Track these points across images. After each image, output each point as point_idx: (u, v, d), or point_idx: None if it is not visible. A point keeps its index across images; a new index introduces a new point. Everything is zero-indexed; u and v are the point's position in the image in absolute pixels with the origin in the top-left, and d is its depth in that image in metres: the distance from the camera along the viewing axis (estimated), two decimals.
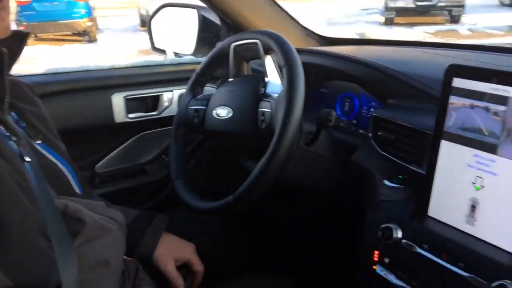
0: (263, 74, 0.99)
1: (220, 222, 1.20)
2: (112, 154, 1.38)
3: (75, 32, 10.57)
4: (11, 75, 0.78)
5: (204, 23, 1.39)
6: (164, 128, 1.41)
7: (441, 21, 7.96)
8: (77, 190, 0.84)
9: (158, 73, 1.39)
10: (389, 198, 0.86)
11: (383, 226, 0.79)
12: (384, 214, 0.83)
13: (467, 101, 0.71)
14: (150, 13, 1.54)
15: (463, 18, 8.80)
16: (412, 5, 10.15)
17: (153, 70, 1.39)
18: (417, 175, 0.83)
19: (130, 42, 9.74)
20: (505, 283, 0.62)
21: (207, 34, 1.40)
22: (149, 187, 1.42)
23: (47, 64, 6.26)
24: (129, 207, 1.01)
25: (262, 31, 0.97)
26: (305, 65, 0.95)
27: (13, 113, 0.78)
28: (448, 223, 0.75)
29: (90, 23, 10.48)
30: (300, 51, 0.98)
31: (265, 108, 0.92)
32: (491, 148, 0.68)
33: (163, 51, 1.50)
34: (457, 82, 0.72)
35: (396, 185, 0.89)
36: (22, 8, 9.71)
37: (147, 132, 1.41)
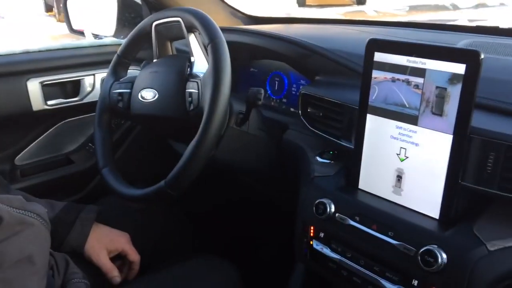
0: (189, 54, 0.96)
1: (155, 209, 1.17)
2: (32, 145, 1.30)
3: None
4: None
5: (124, 1, 1.32)
6: (88, 115, 1.34)
7: (348, 3, 8.40)
8: None
9: (77, 56, 1.30)
10: (321, 174, 0.88)
11: (316, 201, 0.81)
12: (317, 189, 0.84)
13: (389, 75, 0.73)
14: None
15: (369, 0, 9.25)
16: None
17: (71, 53, 1.31)
18: (346, 149, 0.85)
19: (37, 28, 8.98)
20: (431, 248, 0.66)
21: (128, 13, 1.33)
22: (76, 178, 1.35)
23: None
24: (56, 200, 0.96)
25: (184, 9, 0.94)
26: (232, 44, 0.93)
27: None
28: (377, 194, 0.78)
29: None
30: (225, 29, 0.96)
31: (192, 89, 0.89)
32: (412, 120, 0.71)
33: (81, 33, 1.41)
34: (378, 57, 0.74)
35: (327, 161, 0.91)
36: None
37: (70, 119, 1.33)
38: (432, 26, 1.25)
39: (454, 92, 0.65)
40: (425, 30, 1.21)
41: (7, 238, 0.65)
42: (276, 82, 1.21)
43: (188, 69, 0.94)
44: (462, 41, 0.98)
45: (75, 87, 1.30)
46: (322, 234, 0.82)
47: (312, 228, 0.84)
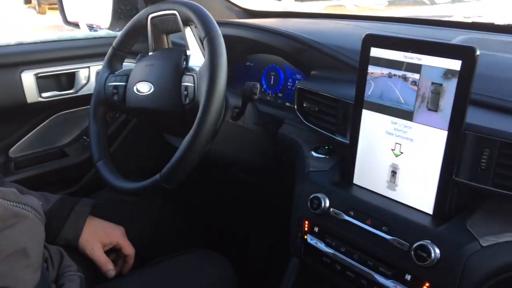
0: (184, 47, 0.96)
1: (150, 202, 1.17)
2: (26, 137, 1.29)
3: None
4: None
5: None
6: (83, 108, 1.33)
7: None
8: None
9: (72, 48, 1.30)
10: (316, 169, 0.88)
11: (311, 196, 0.81)
12: (312, 184, 0.85)
13: (385, 70, 0.73)
14: None
15: None
16: None
17: (66, 45, 1.30)
18: (341, 144, 0.86)
19: (17, 20, 8.72)
20: (425, 243, 0.66)
21: (123, 6, 1.32)
22: (71, 171, 1.35)
23: None
24: (51, 192, 0.96)
25: (180, 2, 0.93)
26: (228, 38, 0.93)
27: None
28: (372, 190, 0.79)
29: None
30: (222, 23, 0.95)
31: (188, 82, 0.89)
32: (407, 115, 0.71)
33: (76, 25, 1.40)
34: (375, 52, 0.74)
35: (322, 156, 0.91)
36: None
37: (64, 112, 1.32)
38: (428, 22, 1.25)
39: (450, 88, 0.65)
40: (421, 26, 1.21)
41: (1, 231, 0.65)
42: (272, 76, 1.21)
43: (184, 63, 0.93)
44: (457, 37, 0.98)
45: (70, 79, 1.29)
46: (316, 229, 0.83)
47: (306, 222, 0.84)
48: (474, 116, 0.67)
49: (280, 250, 1.07)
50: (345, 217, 0.77)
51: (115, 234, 0.96)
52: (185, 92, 0.89)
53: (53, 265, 0.82)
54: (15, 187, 0.85)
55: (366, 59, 0.75)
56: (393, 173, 0.75)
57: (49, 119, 1.31)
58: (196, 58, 0.94)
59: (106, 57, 1.05)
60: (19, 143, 1.28)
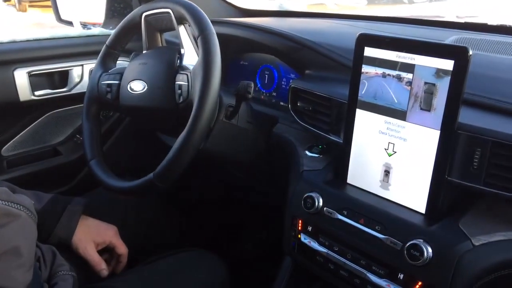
0: (178, 45, 0.96)
1: (143, 202, 1.17)
2: (19, 135, 1.28)
3: None
4: None
5: None
6: (76, 106, 1.32)
7: None
8: None
9: (65, 46, 1.29)
10: (310, 168, 0.88)
11: (305, 195, 0.81)
12: (306, 183, 0.85)
13: (379, 70, 0.73)
14: None
15: None
16: None
17: (59, 43, 1.29)
18: (335, 144, 0.86)
19: None
20: (417, 242, 0.66)
21: (117, 4, 1.31)
22: (64, 170, 1.34)
23: None
24: (43, 191, 0.95)
25: (174, 0, 0.93)
26: (222, 36, 0.92)
27: None
28: (365, 189, 0.79)
29: None
30: (216, 22, 0.95)
31: (181, 81, 0.89)
32: (400, 115, 0.72)
33: (70, 23, 1.39)
34: (368, 51, 0.74)
35: (316, 155, 0.91)
36: None
37: (58, 110, 1.32)
38: (421, 22, 1.26)
39: (442, 88, 0.66)
40: (414, 26, 1.22)
41: None
42: (266, 75, 1.21)
43: (178, 61, 0.93)
44: (450, 37, 0.98)
45: (63, 77, 1.28)
46: (310, 228, 0.83)
47: (300, 221, 0.84)
48: (467, 116, 0.68)
49: (273, 249, 1.07)
50: (338, 216, 0.77)
51: (108, 234, 0.96)
52: (179, 91, 0.89)
53: (46, 264, 0.82)
54: (7, 186, 0.84)
55: (360, 59, 0.75)
56: (386, 172, 0.75)
57: (42, 118, 1.30)
58: (190, 56, 0.94)
59: (99, 56, 1.04)
60: (11, 141, 1.27)
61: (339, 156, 0.83)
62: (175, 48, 0.96)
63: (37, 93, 1.23)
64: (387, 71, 0.72)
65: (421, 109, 0.69)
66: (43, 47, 1.26)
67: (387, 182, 0.75)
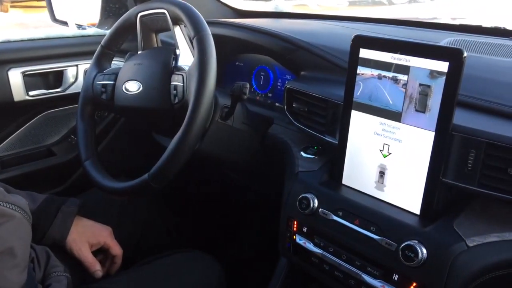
0: (174, 46, 0.96)
1: (138, 202, 1.16)
2: (13, 136, 1.27)
3: None
4: None
5: None
6: (71, 106, 1.32)
7: None
8: None
9: (60, 46, 1.28)
10: (305, 169, 0.88)
11: (300, 196, 0.81)
12: (301, 184, 0.85)
13: (374, 71, 0.74)
14: None
15: None
16: None
17: (54, 43, 1.29)
18: (330, 145, 0.86)
19: None
20: (412, 243, 0.67)
21: (112, 4, 1.31)
22: (58, 170, 1.34)
23: None
24: (38, 192, 0.94)
25: (170, 1, 0.93)
26: (218, 37, 0.92)
27: None
28: (360, 190, 0.79)
29: None
30: (211, 22, 0.95)
31: (177, 81, 0.89)
32: (395, 116, 0.72)
33: (65, 23, 1.38)
34: (364, 53, 0.75)
35: (311, 156, 0.91)
36: None
37: (52, 110, 1.31)
38: (416, 24, 1.26)
39: (437, 90, 0.66)
40: (409, 27, 1.23)
41: None
42: (262, 76, 1.21)
43: (173, 62, 0.93)
44: (445, 39, 0.99)
45: (57, 77, 1.28)
46: (305, 229, 0.83)
47: (295, 222, 0.84)
48: (461, 118, 0.68)
49: (268, 250, 1.07)
50: (333, 217, 0.78)
51: (103, 234, 0.95)
52: (174, 91, 0.88)
53: (40, 265, 0.81)
54: (2, 186, 0.84)
55: (355, 60, 0.76)
56: (381, 173, 0.76)
57: (36, 118, 1.29)
58: (186, 57, 0.94)
59: (94, 56, 1.04)
60: (5, 141, 1.26)
61: (334, 157, 0.83)
62: (170, 49, 0.96)
63: (31, 93, 1.23)
64: (382, 73, 0.73)
65: (416, 110, 0.69)
66: (37, 47, 1.25)
67: (382, 183, 0.76)
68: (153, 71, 0.92)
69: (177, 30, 0.94)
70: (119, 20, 1.03)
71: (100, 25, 1.33)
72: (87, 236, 0.93)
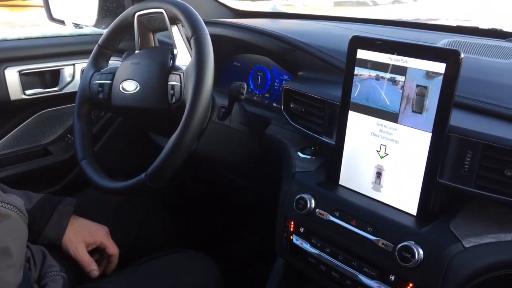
0: (171, 46, 0.95)
1: (135, 202, 1.16)
2: (9, 135, 1.27)
3: None
4: None
5: None
6: (67, 105, 1.31)
7: None
8: None
9: (57, 45, 1.28)
10: (302, 170, 0.88)
11: (297, 196, 0.81)
12: (298, 185, 0.85)
13: (372, 72, 0.74)
14: None
15: None
16: None
17: (51, 42, 1.28)
18: (327, 145, 0.86)
19: None
20: (409, 244, 0.67)
21: (109, 3, 1.31)
22: (54, 169, 1.33)
23: None
24: (34, 191, 0.94)
25: (168, 0, 0.93)
26: (216, 37, 0.92)
27: None
28: (357, 190, 0.79)
29: None
30: (209, 22, 0.95)
31: (174, 81, 0.88)
32: (392, 117, 0.72)
33: (61, 22, 1.38)
34: (361, 54, 0.75)
35: (308, 156, 0.91)
36: None
37: (48, 110, 1.30)
38: (413, 25, 1.26)
39: (434, 91, 0.66)
40: (406, 28, 1.23)
41: None
42: (259, 76, 1.21)
43: (171, 61, 0.93)
44: (442, 40, 0.99)
45: (54, 76, 1.27)
46: (302, 229, 0.83)
47: (292, 223, 0.84)
48: (458, 119, 0.68)
49: (265, 250, 1.07)
50: (330, 217, 0.78)
51: (99, 234, 0.95)
52: (172, 91, 0.88)
53: (36, 265, 0.81)
54: None
55: (352, 61, 0.76)
56: (378, 174, 0.76)
57: (32, 117, 1.29)
58: (183, 57, 0.94)
59: (91, 55, 1.04)
60: (1, 141, 1.25)
61: (331, 157, 0.83)
62: (167, 48, 0.95)
63: (28, 92, 1.22)
64: (380, 74, 0.73)
65: (413, 111, 0.69)
66: (34, 46, 1.25)
67: (379, 184, 0.76)
68: (150, 70, 0.92)
69: (175, 29, 0.94)
70: (116, 19, 1.02)
71: (97, 24, 1.32)
72: (83, 236, 0.93)
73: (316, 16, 1.48)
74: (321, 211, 0.79)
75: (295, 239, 0.84)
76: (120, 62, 0.99)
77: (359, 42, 0.75)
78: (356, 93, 0.76)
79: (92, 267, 0.91)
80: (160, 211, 1.30)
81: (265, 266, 1.00)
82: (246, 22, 1.24)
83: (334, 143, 0.83)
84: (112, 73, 0.98)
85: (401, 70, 0.70)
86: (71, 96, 1.17)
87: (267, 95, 1.20)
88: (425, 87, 0.67)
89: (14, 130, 1.27)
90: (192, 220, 1.48)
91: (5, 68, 1.17)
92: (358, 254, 0.75)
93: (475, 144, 0.65)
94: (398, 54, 0.70)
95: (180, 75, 0.88)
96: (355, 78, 0.76)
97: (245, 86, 0.91)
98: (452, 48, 0.65)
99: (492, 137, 0.64)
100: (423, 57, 0.67)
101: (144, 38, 1.01)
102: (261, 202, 1.34)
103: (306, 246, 0.82)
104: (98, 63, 1.03)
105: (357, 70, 0.75)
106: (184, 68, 0.89)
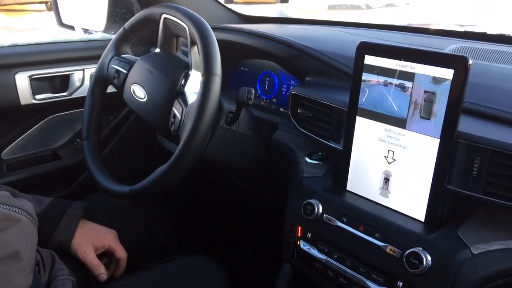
0: (188, 63, 0.93)
1: (142, 206, 1.17)
2: (19, 139, 1.28)
3: None
4: None
5: None
6: (77, 110, 1.33)
7: (272, 1, 8.51)
8: None
9: (66, 51, 1.29)
10: (309, 175, 0.88)
11: (304, 202, 0.81)
12: (306, 190, 0.85)
13: (380, 78, 0.74)
14: None
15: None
16: None
17: (61, 47, 1.30)
18: (335, 151, 0.86)
19: None
20: (417, 250, 0.67)
21: (119, 9, 1.32)
22: (63, 173, 1.34)
23: None
24: (43, 195, 0.95)
25: (193, 20, 0.88)
26: (224, 42, 0.93)
27: None
28: (365, 196, 0.79)
29: None
30: (217, 28, 0.95)
31: (177, 110, 0.87)
32: (400, 123, 0.72)
33: (71, 27, 1.39)
34: (369, 60, 0.75)
35: (316, 162, 0.91)
36: None
37: (58, 114, 1.32)
38: (421, 31, 1.26)
39: (442, 97, 0.66)
40: (414, 34, 1.23)
41: None
42: (267, 82, 1.21)
43: (182, 80, 0.91)
44: (450, 46, 0.99)
45: (64, 81, 1.29)
46: (309, 235, 0.83)
47: (299, 228, 0.84)
48: (466, 125, 0.68)
49: (272, 256, 1.07)
50: (338, 223, 0.78)
51: (108, 238, 0.96)
52: (172, 119, 0.88)
53: (45, 268, 0.82)
54: (8, 190, 0.84)
55: (360, 67, 0.76)
56: (386, 180, 0.76)
57: (42, 121, 1.30)
58: (194, 82, 0.91)
59: (114, 37, 1.04)
60: (11, 145, 1.27)
61: (339, 163, 0.83)
62: (183, 65, 0.94)
63: (38, 97, 1.23)
64: (388, 79, 0.73)
65: (421, 117, 0.69)
66: (44, 51, 1.26)
67: (387, 189, 0.76)
68: (160, 86, 0.92)
69: (194, 51, 0.91)
70: (144, 10, 1.01)
71: (107, 29, 1.33)
72: (92, 239, 0.93)
73: (324, 21, 1.49)
74: (329, 217, 0.79)
75: (303, 245, 0.84)
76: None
77: (366, 48, 0.75)
78: (363, 98, 0.76)
79: (100, 270, 0.92)
80: (168, 216, 1.30)
81: (272, 272, 1.00)
82: (254, 27, 1.25)
83: (341, 148, 0.83)
84: (130, 64, 0.99)
85: (409, 76, 0.70)
86: (80, 101, 1.18)
87: (274, 100, 1.20)
88: (433, 93, 0.67)
89: (24, 135, 1.29)
90: (200, 224, 1.48)
91: (15, 73, 1.18)
92: (366, 260, 0.75)
93: (484, 150, 0.65)
94: (405, 60, 0.70)
95: (183, 108, 0.87)
96: (362, 84, 0.76)
97: (253, 91, 0.91)
98: (460, 54, 0.65)
99: (501, 143, 0.64)
100: (431, 63, 0.67)
101: (167, 40, 1.00)
102: (268, 207, 1.34)
103: (314, 252, 0.82)
104: (120, 47, 1.04)
105: (365, 76, 0.75)
106: (189, 101, 0.87)
